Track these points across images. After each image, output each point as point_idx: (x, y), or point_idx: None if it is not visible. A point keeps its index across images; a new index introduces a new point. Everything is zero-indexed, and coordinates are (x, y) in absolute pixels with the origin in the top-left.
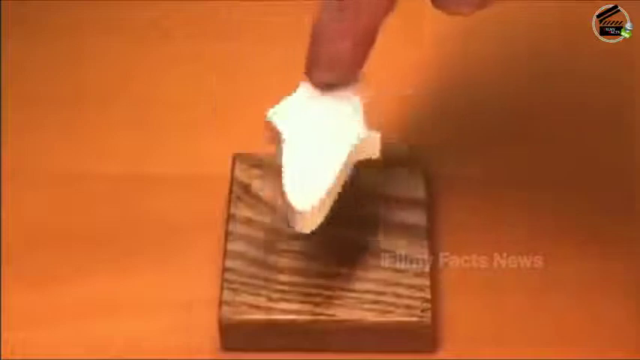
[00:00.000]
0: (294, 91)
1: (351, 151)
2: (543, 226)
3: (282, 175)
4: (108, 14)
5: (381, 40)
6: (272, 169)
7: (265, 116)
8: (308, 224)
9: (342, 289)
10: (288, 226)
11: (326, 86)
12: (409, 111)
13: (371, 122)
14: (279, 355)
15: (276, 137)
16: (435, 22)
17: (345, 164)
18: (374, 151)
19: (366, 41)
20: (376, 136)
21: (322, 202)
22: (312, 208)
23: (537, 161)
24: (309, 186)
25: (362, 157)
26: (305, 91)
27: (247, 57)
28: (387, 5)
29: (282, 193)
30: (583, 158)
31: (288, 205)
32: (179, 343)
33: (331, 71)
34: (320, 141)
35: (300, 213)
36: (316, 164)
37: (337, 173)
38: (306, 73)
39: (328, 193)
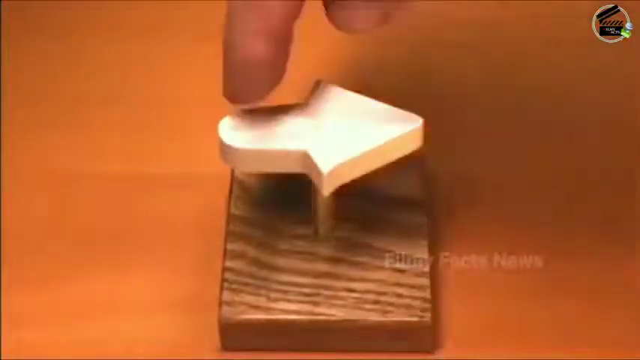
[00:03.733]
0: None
1: (393, 139)
2: (543, 226)
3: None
4: (108, 14)
5: (378, 40)
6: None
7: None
8: (327, 186)
9: (342, 289)
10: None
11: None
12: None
13: None
14: (279, 355)
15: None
16: (434, 20)
17: (382, 149)
18: (416, 144)
19: (278, 40)
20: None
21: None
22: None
23: (537, 161)
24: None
25: (405, 151)
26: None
27: None
28: (294, 4)
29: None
30: (583, 158)
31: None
32: (179, 343)
33: (248, 77)
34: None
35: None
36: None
37: (369, 150)
38: (224, 94)
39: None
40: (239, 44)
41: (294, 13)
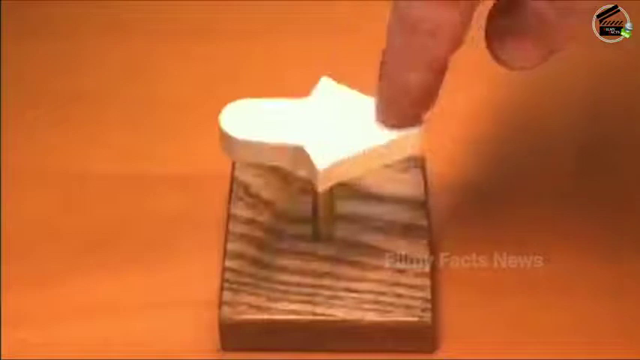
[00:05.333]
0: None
1: (391, 142)
2: (543, 226)
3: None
4: (108, 14)
5: None
6: (272, 168)
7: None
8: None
9: (342, 289)
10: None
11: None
12: None
13: None
14: (279, 355)
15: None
16: None
17: (379, 150)
18: (414, 149)
19: (436, 73)
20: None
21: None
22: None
23: (537, 161)
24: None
25: (402, 155)
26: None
27: (247, 57)
28: (460, 34)
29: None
30: (583, 157)
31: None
32: (179, 343)
33: (404, 107)
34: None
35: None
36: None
37: (366, 150)
38: (378, 118)
39: (350, 160)
40: (398, 77)
41: (455, 47)
